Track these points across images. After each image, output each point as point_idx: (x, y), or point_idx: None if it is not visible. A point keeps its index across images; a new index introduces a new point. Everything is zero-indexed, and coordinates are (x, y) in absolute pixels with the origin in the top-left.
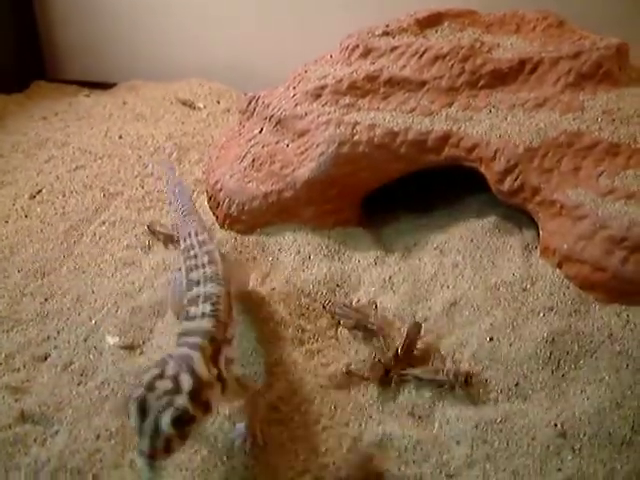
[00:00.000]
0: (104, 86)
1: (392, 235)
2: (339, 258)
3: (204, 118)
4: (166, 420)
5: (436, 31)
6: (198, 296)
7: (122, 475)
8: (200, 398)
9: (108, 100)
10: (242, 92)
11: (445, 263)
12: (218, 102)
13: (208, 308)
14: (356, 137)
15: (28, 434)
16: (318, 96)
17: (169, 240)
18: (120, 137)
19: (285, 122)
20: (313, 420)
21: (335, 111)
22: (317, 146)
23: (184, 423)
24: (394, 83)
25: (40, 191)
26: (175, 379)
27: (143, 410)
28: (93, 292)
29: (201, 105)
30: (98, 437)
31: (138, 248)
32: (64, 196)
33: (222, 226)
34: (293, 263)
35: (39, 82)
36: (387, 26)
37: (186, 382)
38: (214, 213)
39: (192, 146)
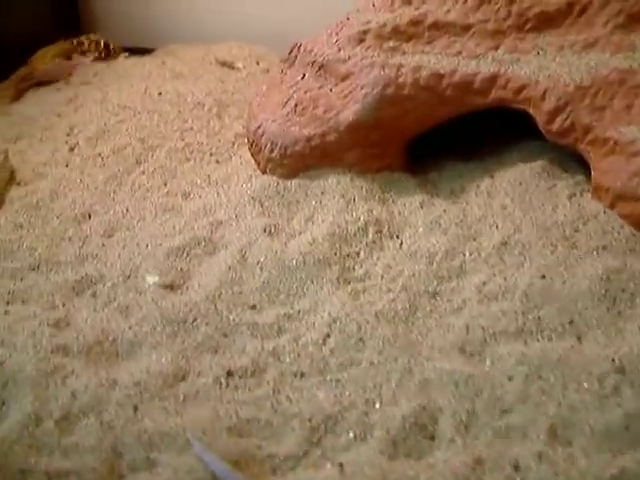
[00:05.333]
0: (142, 51)
1: (437, 180)
2: (384, 201)
3: (243, 77)
4: None
5: None
6: None
7: (165, 407)
8: None
9: (147, 61)
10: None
11: (493, 205)
12: (258, 63)
13: None
14: (401, 79)
15: (66, 365)
16: (361, 40)
17: None
18: (159, 94)
19: (328, 67)
20: (364, 357)
21: (379, 54)
22: (361, 88)
23: None
24: (439, 27)
25: (78, 143)
26: None
27: None
28: (132, 237)
29: (240, 65)
30: (140, 371)
31: (178, 195)
32: (103, 148)
33: (264, 171)
34: (337, 206)
35: None
36: None
37: None
38: (255, 159)
39: (232, 103)
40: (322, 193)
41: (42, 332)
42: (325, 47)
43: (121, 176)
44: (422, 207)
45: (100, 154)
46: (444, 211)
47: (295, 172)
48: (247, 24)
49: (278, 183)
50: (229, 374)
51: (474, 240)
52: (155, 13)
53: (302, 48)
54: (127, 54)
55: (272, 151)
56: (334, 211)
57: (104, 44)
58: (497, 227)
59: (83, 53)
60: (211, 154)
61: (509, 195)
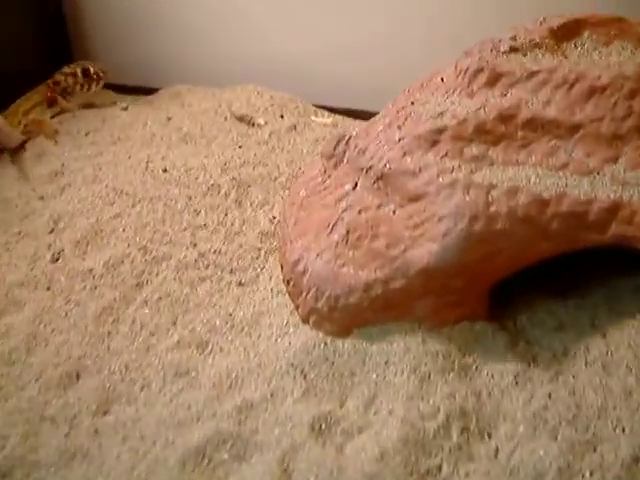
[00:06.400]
0: (143, 91)
1: (530, 331)
2: (466, 372)
3: (266, 139)
4: None
5: (575, 45)
6: None
7: None
8: None
9: (149, 115)
10: (309, 102)
11: (612, 388)
12: (282, 116)
13: None
14: (492, 208)
15: None
16: (434, 143)
17: None
18: (164, 170)
19: (390, 178)
20: None
21: (460, 167)
22: (439, 220)
23: None
24: (536, 125)
25: (63, 250)
26: None
27: None
28: (134, 420)
29: (261, 121)
30: None
31: (192, 346)
32: (95, 260)
33: (305, 321)
34: (407, 386)
35: None
36: (514, 38)
37: None
38: (294, 301)
39: (253, 181)
40: (385, 363)
41: None
42: (385, 148)
43: (118, 308)
44: (517, 383)
45: (91, 271)
46: (548, 396)
47: (348, 329)
48: (267, 63)
49: (326, 343)
50: None
51: (594, 450)
52: (159, 50)
53: (352, 143)
54: (125, 105)
55: (317, 300)
56: (404, 396)
57: (82, 72)
58: (623, 430)
59: (65, 91)
60: (232, 270)
61: (632, 370)
